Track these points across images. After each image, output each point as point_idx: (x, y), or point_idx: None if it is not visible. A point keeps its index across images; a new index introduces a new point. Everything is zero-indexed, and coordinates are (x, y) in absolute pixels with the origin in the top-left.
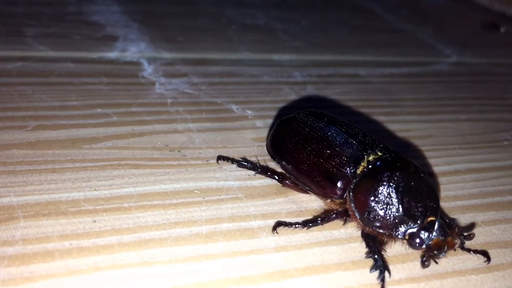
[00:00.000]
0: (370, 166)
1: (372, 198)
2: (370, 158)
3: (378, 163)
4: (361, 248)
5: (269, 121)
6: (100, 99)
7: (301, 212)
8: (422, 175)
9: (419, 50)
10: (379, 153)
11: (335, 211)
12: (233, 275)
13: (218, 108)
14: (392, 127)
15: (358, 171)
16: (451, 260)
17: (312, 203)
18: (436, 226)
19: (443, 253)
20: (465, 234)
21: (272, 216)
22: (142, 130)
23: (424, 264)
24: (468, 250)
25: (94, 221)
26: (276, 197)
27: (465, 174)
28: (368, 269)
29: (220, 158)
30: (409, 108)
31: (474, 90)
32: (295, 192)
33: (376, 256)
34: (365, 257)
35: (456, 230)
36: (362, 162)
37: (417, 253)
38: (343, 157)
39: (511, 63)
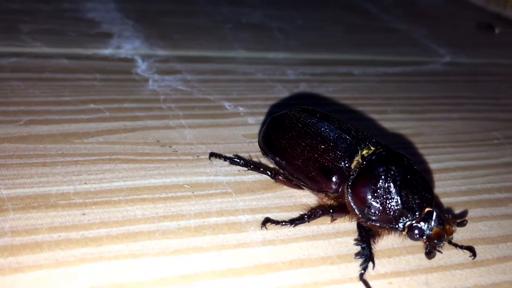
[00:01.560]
0: (365, 162)
1: (371, 193)
2: (364, 152)
3: (373, 158)
4: (348, 243)
5: (261, 118)
6: (94, 94)
7: (289, 207)
8: (415, 167)
9: (413, 50)
10: (372, 148)
11: (321, 208)
12: (220, 267)
13: (211, 104)
14: (384, 125)
15: (353, 166)
16: (436, 255)
17: (301, 199)
18: (434, 216)
19: (443, 242)
20: (458, 221)
21: (260, 211)
22: (134, 126)
23: (430, 256)
24: (455, 245)
25: (83, 214)
26: (265, 192)
27: (454, 171)
28: (354, 263)
29: (212, 155)
30: (401, 107)
31: (468, 90)
32: (284, 188)
33: (364, 245)
34: (354, 244)
35: (451, 218)
36: (356, 156)
37: (403, 248)
38: (338, 152)
39: (505, 64)
